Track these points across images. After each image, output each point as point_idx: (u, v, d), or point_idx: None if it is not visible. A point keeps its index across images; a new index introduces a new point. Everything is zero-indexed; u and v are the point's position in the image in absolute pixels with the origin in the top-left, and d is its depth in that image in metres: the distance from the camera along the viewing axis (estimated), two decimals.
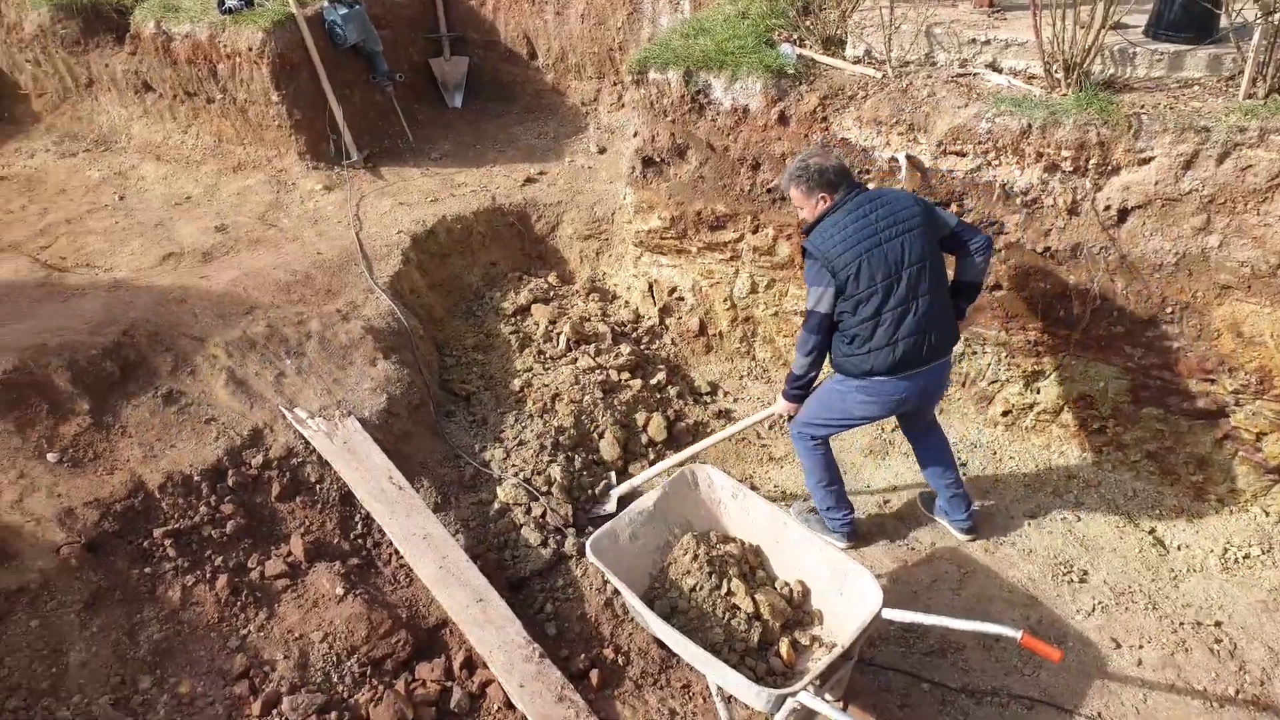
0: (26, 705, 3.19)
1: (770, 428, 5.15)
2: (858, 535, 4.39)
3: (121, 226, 6.12)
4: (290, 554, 3.89)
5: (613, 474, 4.76)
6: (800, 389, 4.03)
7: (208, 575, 3.74)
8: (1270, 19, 3.76)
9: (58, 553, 3.56)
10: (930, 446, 4.25)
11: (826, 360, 3.97)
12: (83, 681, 3.31)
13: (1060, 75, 4.19)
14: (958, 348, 4.75)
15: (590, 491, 4.63)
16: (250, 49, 6.45)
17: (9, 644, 3.31)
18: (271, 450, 4.19)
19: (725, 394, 5.46)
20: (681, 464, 4.53)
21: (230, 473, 4.06)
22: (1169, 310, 4.19)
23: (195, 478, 3.98)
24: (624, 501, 4.46)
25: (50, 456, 3.93)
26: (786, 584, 3.78)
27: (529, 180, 6.66)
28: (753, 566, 3.84)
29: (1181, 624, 3.93)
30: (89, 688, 3.30)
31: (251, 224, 6.07)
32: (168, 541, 3.75)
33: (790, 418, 4.18)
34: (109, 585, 3.59)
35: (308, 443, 4.23)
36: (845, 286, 3.66)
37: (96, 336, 4.40)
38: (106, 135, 7.41)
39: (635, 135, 5.37)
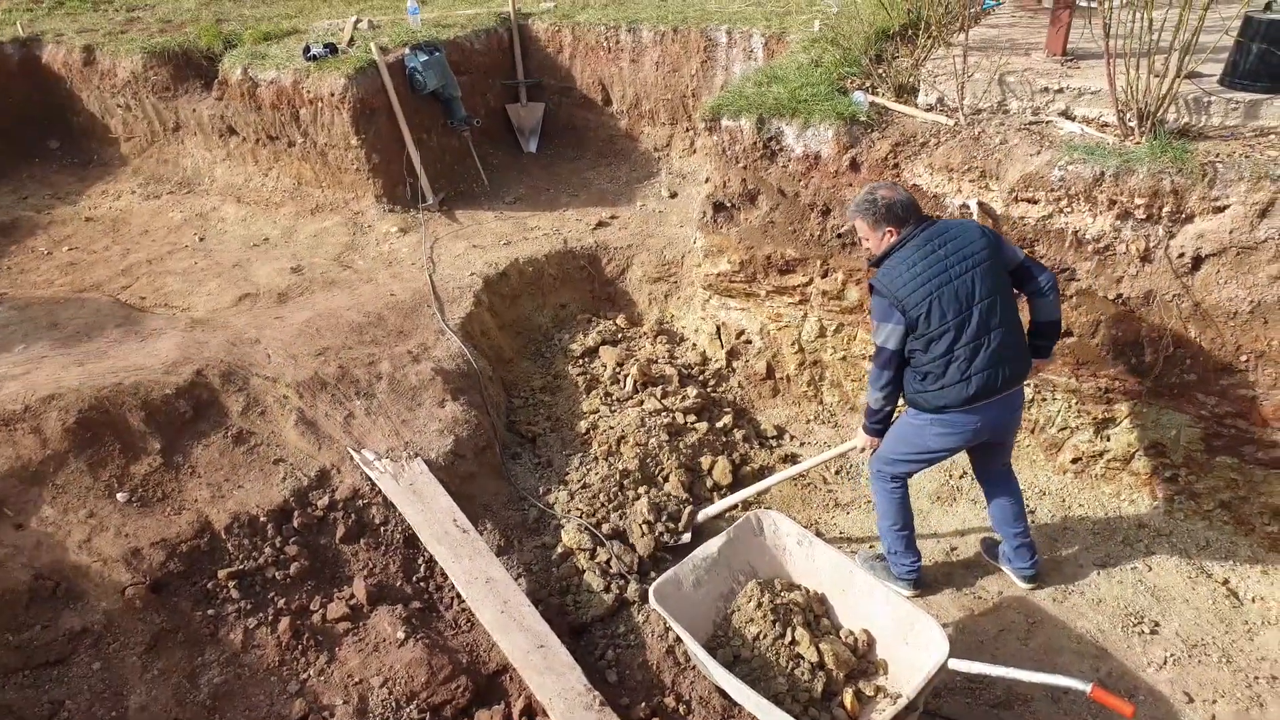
0: None
1: (837, 472, 5.09)
2: (924, 584, 4.30)
3: (200, 267, 6.35)
4: (353, 596, 3.94)
5: (688, 506, 4.73)
6: (879, 424, 3.97)
7: (270, 618, 3.80)
8: None
9: (123, 594, 3.64)
10: (1004, 493, 4.15)
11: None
12: None
13: (1134, 123, 4.12)
14: (1029, 390, 4.70)
15: (659, 535, 4.62)
16: (332, 94, 6.69)
17: (70, 686, 3.38)
18: (338, 491, 4.26)
19: (791, 438, 5.41)
20: (766, 490, 4.64)
21: (296, 514, 4.14)
22: (1244, 358, 4.07)
23: (261, 518, 4.06)
24: (701, 531, 4.53)
25: (120, 496, 4.03)
26: (851, 633, 3.72)
27: (600, 224, 6.74)
28: (817, 615, 3.79)
29: (1256, 678, 3.80)
30: None
31: (327, 265, 6.25)
32: (231, 583, 3.82)
33: (871, 451, 4.10)
34: (171, 627, 3.66)
35: (374, 484, 4.30)
36: (916, 324, 3.60)
37: (170, 376, 4.53)
38: (190, 178, 7.73)
39: (707, 181, 5.41)
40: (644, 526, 4.49)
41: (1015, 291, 3.81)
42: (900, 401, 3.95)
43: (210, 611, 3.76)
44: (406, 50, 7.05)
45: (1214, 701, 3.71)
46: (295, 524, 4.10)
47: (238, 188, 7.45)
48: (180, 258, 6.54)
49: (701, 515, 4.66)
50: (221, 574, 3.84)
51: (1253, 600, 4.16)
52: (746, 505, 4.70)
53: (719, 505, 4.68)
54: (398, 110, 6.86)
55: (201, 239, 6.88)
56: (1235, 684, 3.78)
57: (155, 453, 4.21)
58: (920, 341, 3.63)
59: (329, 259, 6.34)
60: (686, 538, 4.55)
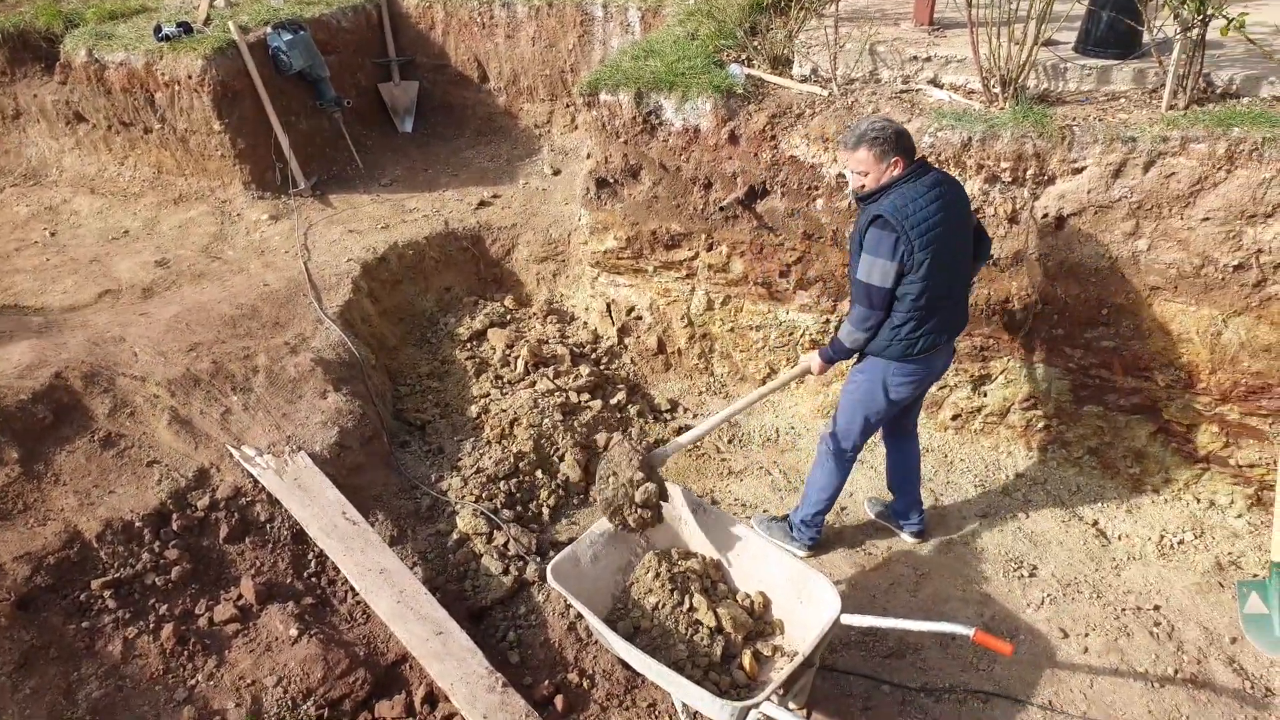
0: None
1: (730, 441, 5.17)
2: (817, 545, 4.42)
3: (53, 264, 5.97)
4: (240, 597, 3.79)
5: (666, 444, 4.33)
6: (841, 356, 3.86)
7: (151, 625, 3.61)
8: (1188, 35, 3.91)
9: None
10: (908, 453, 4.27)
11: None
12: None
13: (997, 90, 4.28)
14: None
15: (548, 519, 4.60)
16: (190, 77, 6.36)
17: None
18: (218, 491, 4.08)
19: (685, 410, 5.46)
20: (720, 424, 4.21)
21: (175, 516, 3.94)
22: (1105, 312, 4.31)
23: (136, 524, 3.86)
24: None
25: None
26: (748, 596, 3.78)
27: (482, 204, 6.63)
28: (714, 581, 3.83)
29: (1123, 610, 4.05)
30: None
31: (194, 257, 5.97)
32: (107, 593, 3.62)
33: (818, 373, 4.00)
34: (42, 643, 3.45)
35: (256, 481, 4.14)
36: (913, 266, 3.47)
37: (25, 380, 4.25)
38: (36, 169, 7.24)
39: (588, 157, 5.37)
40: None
41: None
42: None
43: (85, 624, 3.55)
44: (268, 29, 6.74)
45: (1086, 635, 3.94)
46: (174, 527, 3.91)
47: (91, 178, 7.01)
48: (29, 254, 6.12)
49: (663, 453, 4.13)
50: (95, 584, 3.62)
51: (1119, 538, 4.44)
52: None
53: (685, 437, 4.13)
54: (262, 92, 6.57)
55: (53, 234, 6.46)
56: (1105, 617, 4.02)
57: (13, 462, 3.94)
58: (913, 286, 3.51)
59: (196, 250, 6.05)
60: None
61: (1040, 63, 4.33)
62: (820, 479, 4.19)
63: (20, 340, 4.69)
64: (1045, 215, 4.19)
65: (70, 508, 3.87)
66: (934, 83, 4.59)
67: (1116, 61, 4.28)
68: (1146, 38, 4.28)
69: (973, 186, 4.26)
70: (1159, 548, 4.35)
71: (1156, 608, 4.05)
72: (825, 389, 5.21)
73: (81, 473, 4.02)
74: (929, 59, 4.61)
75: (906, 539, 4.46)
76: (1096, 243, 4.15)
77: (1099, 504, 4.63)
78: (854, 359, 3.94)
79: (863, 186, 3.59)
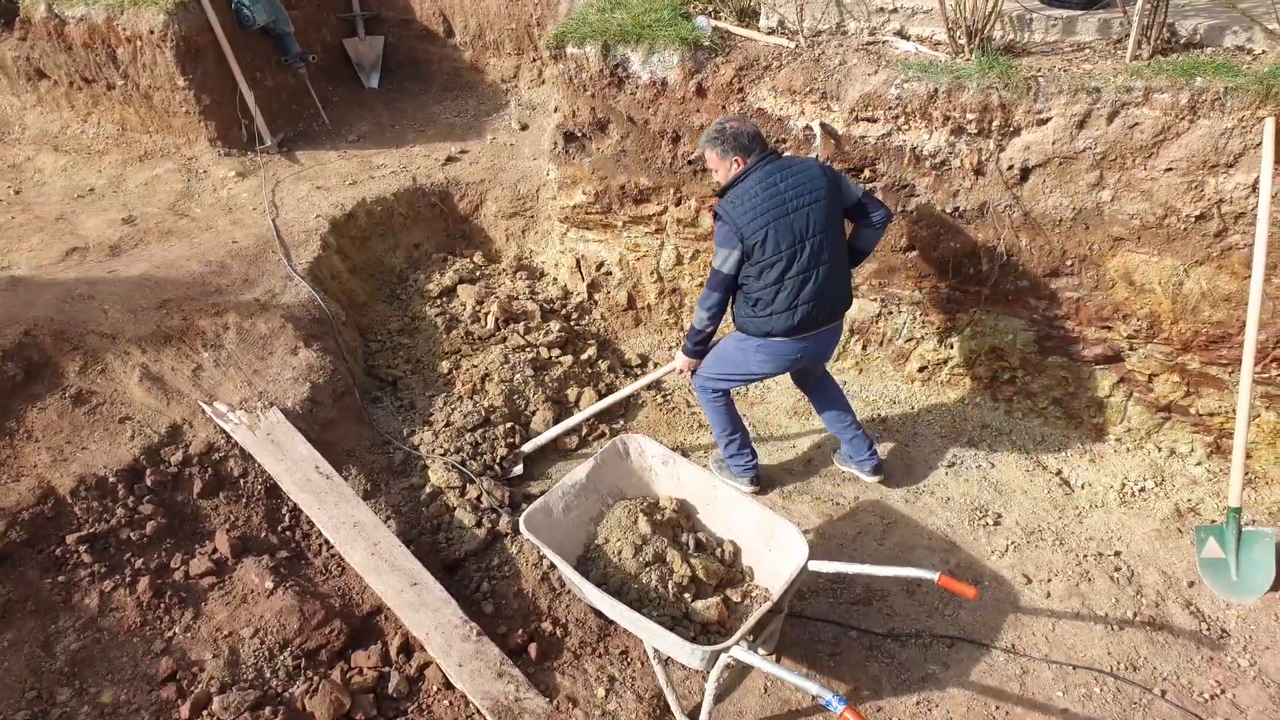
0: None
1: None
2: (762, 480, 4.55)
3: (18, 222, 5.89)
4: (215, 551, 3.83)
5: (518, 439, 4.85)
6: (699, 344, 4.17)
7: (127, 579, 3.66)
8: None
9: None
10: (825, 395, 4.47)
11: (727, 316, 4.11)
12: None
13: (963, 41, 4.28)
14: (876, 305, 4.98)
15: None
16: (152, 31, 6.24)
17: None
18: (191, 446, 4.10)
19: (655, 365, 5.50)
20: (586, 420, 4.90)
21: (148, 472, 3.96)
22: (1069, 263, 4.37)
23: (110, 479, 3.88)
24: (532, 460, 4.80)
25: None
26: (718, 544, 3.85)
27: (450, 159, 6.57)
28: (684, 529, 3.90)
29: (1085, 556, 4.15)
30: (3, 704, 3.21)
31: (161, 214, 5.90)
32: (82, 547, 3.66)
33: (690, 372, 4.33)
34: (19, 597, 3.50)
35: (229, 437, 4.15)
36: (752, 252, 3.80)
37: None
38: None
39: (556, 111, 5.34)
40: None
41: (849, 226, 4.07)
42: (724, 325, 4.16)
43: (61, 578, 3.59)
44: None
45: (1049, 580, 4.04)
46: (148, 482, 3.93)
47: (54, 135, 6.89)
48: None
49: (528, 447, 4.77)
50: (70, 539, 3.66)
51: (1082, 487, 4.53)
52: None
53: (543, 437, 4.81)
54: (226, 48, 6.46)
55: (17, 192, 6.36)
56: (1067, 563, 4.11)
57: None
58: (754, 269, 3.84)
59: (163, 208, 5.99)
60: (518, 470, 4.67)
61: (1006, 14, 4.33)
62: (713, 420, 4.43)
63: None
64: (1010, 167, 4.22)
65: (43, 464, 3.88)
66: (901, 34, 4.59)
67: (1082, 12, 4.29)
68: None
69: (939, 139, 4.29)
70: (1120, 495, 4.45)
71: (1117, 553, 4.14)
72: None
73: (54, 429, 4.03)
74: (895, 10, 4.61)
75: (867, 479, 4.55)
76: (1061, 194, 4.19)
77: (1063, 453, 4.71)
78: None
79: (718, 184, 4.01)
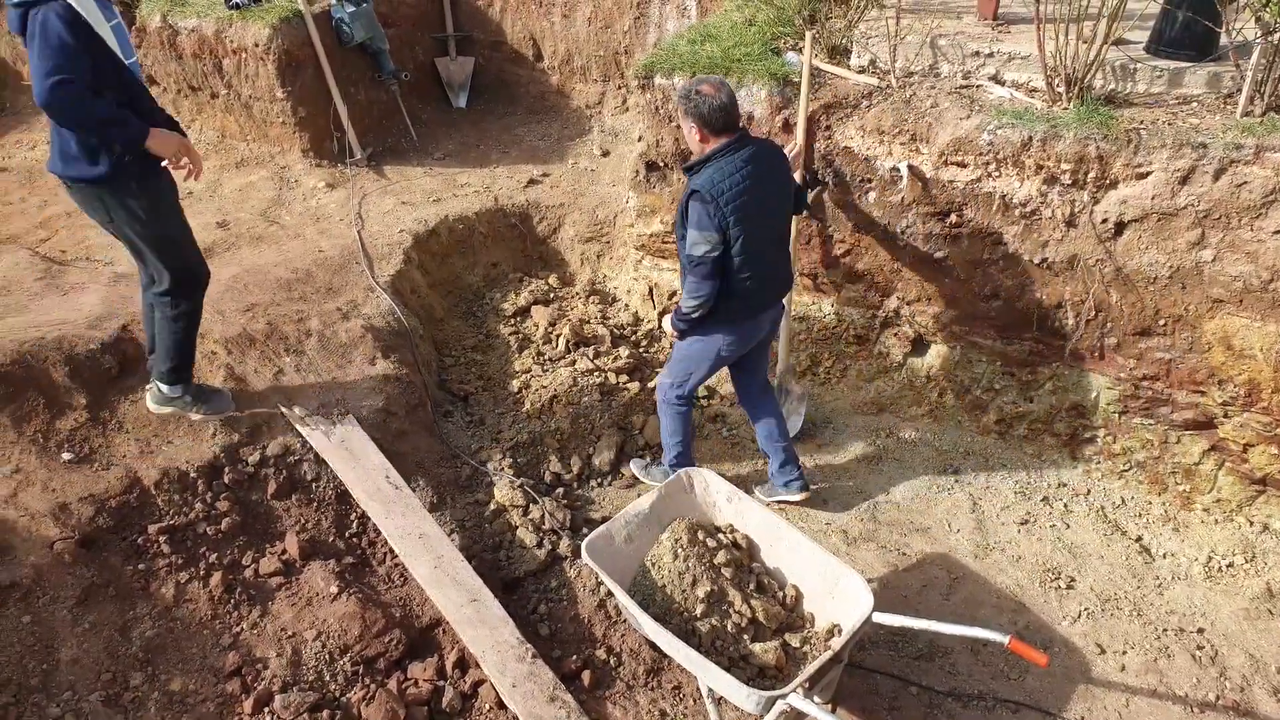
0: (16, 701, 3.20)
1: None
2: None
3: None
4: (285, 552, 3.91)
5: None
6: (685, 327, 4.13)
7: (201, 572, 3.76)
8: (1269, 38, 3.79)
9: (51, 548, 3.58)
10: (768, 410, 4.51)
11: None
12: (73, 678, 3.32)
13: (1062, 89, 4.21)
14: (956, 352, 4.88)
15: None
16: (257, 45, 6.47)
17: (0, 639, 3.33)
18: (269, 448, 4.20)
19: (721, 399, 5.47)
20: None
21: (227, 470, 4.08)
22: (1161, 323, 4.23)
23: (191, 474, 4.00)
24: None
25: (46, 451, 3.93)
26: (780, 586, 3.80)
27: (532, 182, 6.68)
28: (746, 566, 3.85)
29: (1165, 630, 3.97)
30: (80, 684, 3.31)
31: (253, 220, 6.09)
32: (162, 538, 3.77)
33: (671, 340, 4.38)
34: (102, 581, 3.61)
35: (305, 441, 4.24)
36: (729, 236, 3.77)
37: (95, 330, 4.42)
38: None
39: (640, 140, 5.38)
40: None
41: None
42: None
43: (141, 566, 3.71)
44: (333, 1, 6.84)
45: (1124, 653, 3.87)
46: (226, 480, 4.05)
47: None
48: None
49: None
50: (152, 529, 3.78)
51: (1164, 556, 4.33)
52: None
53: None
54: (324, 62, 6.68)
55: None
56: (1145, 636, 3.94)
57: (81, 408, 4.12)
58: (734, 260, 3.82)
59: (255, 214, 6.18)
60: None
61: (1109, 63, 4.24)
62: (668, 426, 4.47)
63: (92, 292, 4.88)
64: (1104, 220, 4.12)
65: (132, 455, 4.03)
66: (995, 79, 4.54)
67: (1190, 64, 4.18)
68: (1224, 40, 4.17)
69: (1030, 188, 4.21)
70: (1206, 569, 4.24)
71: (1200, 630, 3.96)
72: (868, 384, 5.20)
73: (143, 422, 4.18)
74: (991, 55, 4.55)
75: (795, 498, 4.52)
76: (1157, 251, 4.06)
77: (1144, 519, 4.52)
78: None
79: (688, 153, 4.10)
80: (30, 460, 3.89)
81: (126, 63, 3.48)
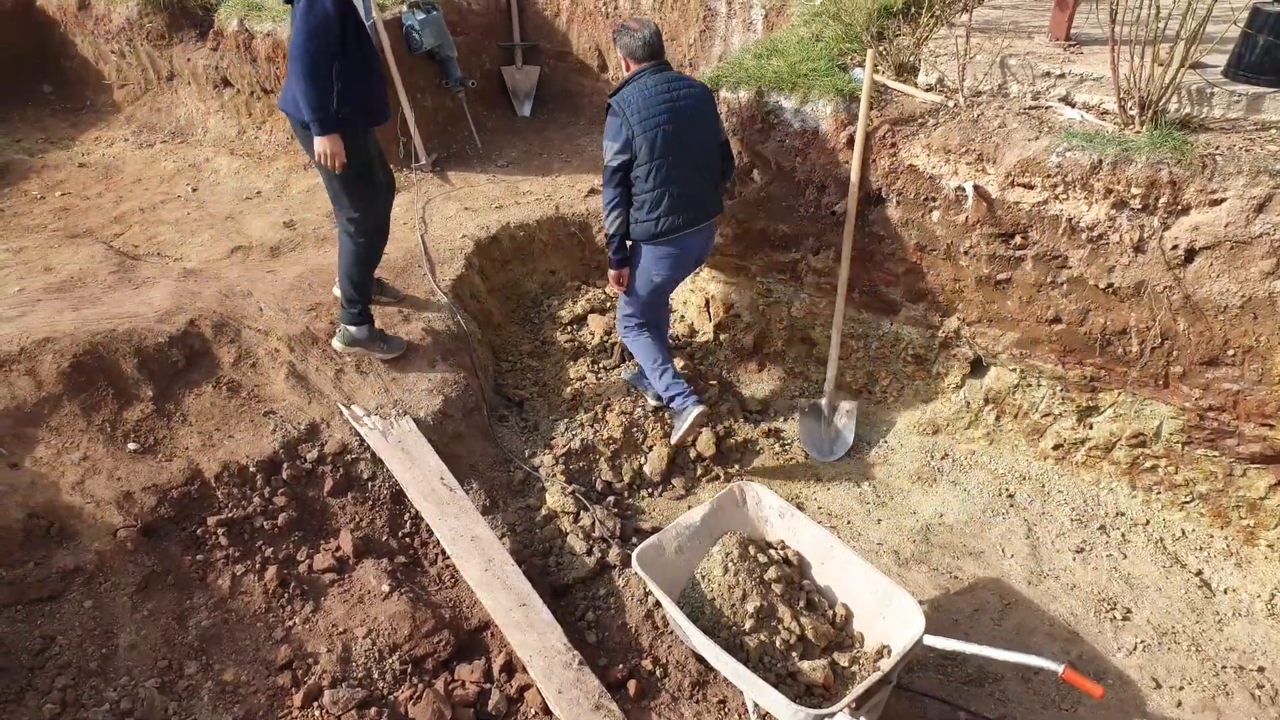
0: (75, 684, 3.30)
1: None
2: (705, 402, 4.96)
3: (193, 217, 6.31)
4: (339, 549, 3.97)
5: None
6: (618, 254, 4.63)
7: (257, 565, 3.84)
8: None
9: (114, 535, 3.68)
10: (667, 321, 5.33)
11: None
12: (131, 664, 3.41)
13: (1135, 112, 4.13)
14: (1014, 376, 4.77)
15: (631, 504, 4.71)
16: None
17: (62, 622, 3.43)
18: (327, 445, 4.28)
19: (776, 413, 5.45)
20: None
21: (285, 465, 4.16)
22: (1231, 353, 4.12)
23: (251, 468, 4.09)
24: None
25: (113, 440, 4.05)
26: (830, 605, 3.78)
27: (592, 191, 6.72)
28: (797, 585, 3.83)
29: (1224, 667, 3.88)
30: (137, 670, 3.40)
31: (319, 221, 6.21)
32: (220, 530, 3.86)
33: (619, 286, 4.79)
34: (162, 570, 3.70)
35: (362, 440, 4.31)
36: (638, 152, 4.29)
37: (163, 324, 4.54)
38: (183, 127, 7.64)
39: None
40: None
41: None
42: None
43: (199, 557, 3.80)
44: (404, 8, 6.96)
45: (1181, 688, 3.79)
46: (284, 475, 4.13)
47: (231, 140, 7.37)
48: (172, 207, 6.49)
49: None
50: (211, 521, 3.87)
51: (1225, 591, 4.23)
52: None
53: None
54: (393, 68, 6.79)
55: (194, 189, 6.82)
56: (1203, 672, 3.85)
57: (148, 399, 4.23)
58: (641, 170, 4.33)
59: (321, 215, 6.30)
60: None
61: (1184, 86, 4.15)
62: (639, 355, 4.94)
63: (161, 286, 5.01)
64: (1174, 246, 4.03)
65: (194, 447, 4.12)
66: (1066, 100, 4.47)
67: (1270, 89, 4.07)
68: None
69: (1098, 211, 4.14)
70: (1269, 606, 4.13)
71: (1261, 669, 3.86)
72: (924, 405, 5.14)
73: (206, 415, 4.28)
74: (1062, 76, 4.48)
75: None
76: (1229, 279, 3.96)
77: (1205, 553, 4.41)
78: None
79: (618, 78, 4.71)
80: (98, 449, 4.00)
81: (366, 24, 4.15)
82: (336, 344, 4.71)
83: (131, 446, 4.05)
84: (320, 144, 4.16)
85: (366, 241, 4.62)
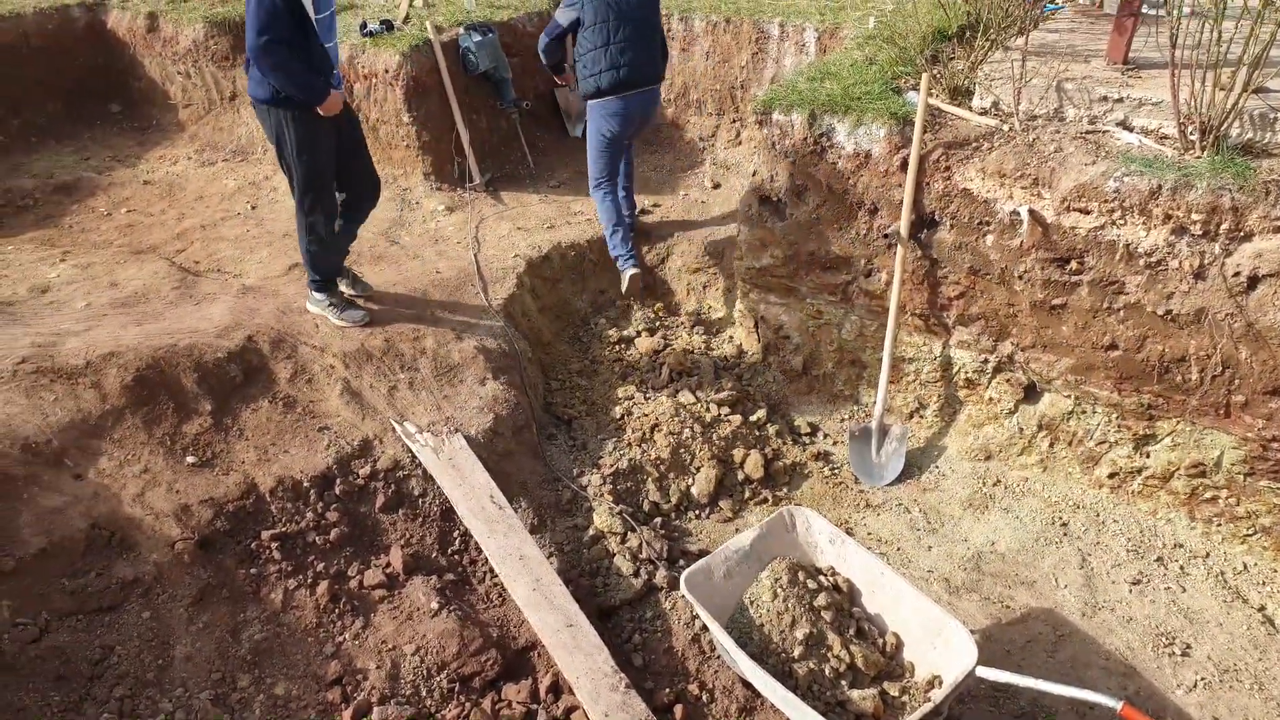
0: (132, 694, 3.36)
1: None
2: (642, 267, 6.08)
3: (252, 235, 6.45)
4: (389, 565, 4.01)
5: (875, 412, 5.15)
6: (550, 66, 6.16)
7: (309, 580, 3.89)
8: None
9: (172, 547, 3.76)
10: (630, 193, 6.44)
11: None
12: (186, 675, 3.47)
13: (1195, 137, 4.07)
14: (1069, 402, 4.69)
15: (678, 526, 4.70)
16: (387, 71, 6.75)
17: (121, 632, 3.50)
18: (379, 462, 4.34)
19: (825, 436, 5.42)
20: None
21: (338, 481, 4.22)
22: None
23: (304, 484, 4.15)
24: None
25: (172, 454, 4.14)
26: (880, 633, 3.73)
27: (643, 212, 6.77)
28: (847, 613, 3.79)
29: None
30: (191, 681, 3.45)
31: (374, 239, 6.32)
32: (274, 544, 3.92)
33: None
34: (217, 582, 3.77)
35: (414, 456, 4.37)
36: (586, 16, 5.48)
37: (222, 340, 4.65)
38: (244, 146, 7.84)
39: (754, 174, 5.41)
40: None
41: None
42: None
43: (253, 570, 3.86)
44: (461, 30, 7.10)
45: None
46: (337, 491, 4.19)
47: None
48: (233, 224, 6.65)
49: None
50: (265, 535, 3.93)
51: None
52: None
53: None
54: (449, 89, 6.92)
55: (254, 207, 6.98)
56: (1267, 712, 3.73)
57: (206, 414, 4.32)
58: (587, 32, 5.51)
59: (376, 233, 6.41)
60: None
61: (1247, 111, 4.08)
62: (602, 214, 6.04)
63: (221, 302, 5.13)
64: (1236, 273, 3.95)
65: (250, 461, 4.20)
66: (1124, 125, 4.41)
67: None
68: None
69: (1157, 237, 4.07)
70: None
71: None
72: (976, 430, 5.08)
73: (262, 430, 4.36)
74: (1120, 100, 4.43)
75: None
76: None
77: (1268, 588, 4.28)
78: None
79: None
80: (158, 461, 4.10)
81: (315, 18, 4.46)
82: (310, 306, 5.15)
83: (190, 460, 4.14)
84: (326, 109, 4.61)
85: (317, 237, 4.94)
